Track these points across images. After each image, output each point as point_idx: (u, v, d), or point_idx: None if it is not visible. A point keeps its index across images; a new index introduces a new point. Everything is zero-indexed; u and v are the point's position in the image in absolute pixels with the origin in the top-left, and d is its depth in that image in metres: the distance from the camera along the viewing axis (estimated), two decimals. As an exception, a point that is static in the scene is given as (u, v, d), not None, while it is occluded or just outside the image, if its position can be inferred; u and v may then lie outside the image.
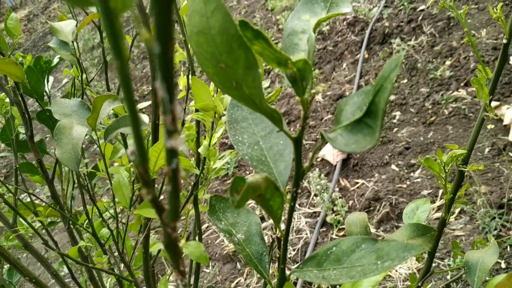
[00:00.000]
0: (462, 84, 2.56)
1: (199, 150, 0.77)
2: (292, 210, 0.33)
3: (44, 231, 1.04)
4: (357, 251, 0.31)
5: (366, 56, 3.29)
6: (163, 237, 0.23)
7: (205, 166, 0.80)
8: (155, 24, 0.15)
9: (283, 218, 0.39)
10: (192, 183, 0.90)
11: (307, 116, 0.29)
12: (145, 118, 0.89)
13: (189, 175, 0.94)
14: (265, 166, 0.34)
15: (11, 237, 0.96)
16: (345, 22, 3.69)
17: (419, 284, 0.68)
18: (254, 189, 0.28)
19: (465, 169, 0.53)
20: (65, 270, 2.37)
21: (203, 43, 0.27)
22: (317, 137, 2.71)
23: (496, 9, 0.48)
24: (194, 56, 0.71)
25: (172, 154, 0.18)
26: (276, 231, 0.37)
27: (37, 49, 7.25)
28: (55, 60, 1.02)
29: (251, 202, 2.29)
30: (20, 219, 1.01)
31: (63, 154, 0.50)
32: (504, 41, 0.50)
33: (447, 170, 0.52)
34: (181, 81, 1.01)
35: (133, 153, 0.20)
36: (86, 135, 0.53)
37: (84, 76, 0.81)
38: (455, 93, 2.52)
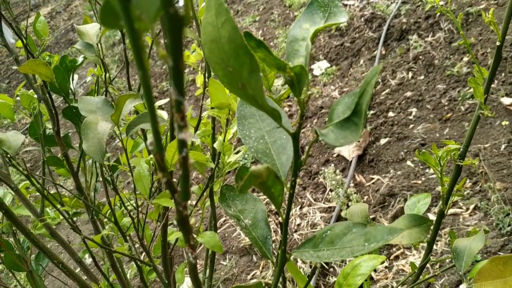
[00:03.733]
0: (479, 81, 2.56)
1: (215, 145, 0.82)
2: (291, 197, 0.37)
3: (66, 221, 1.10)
4: (349, 234, 0.35)
5: (383, 52, 3.29)
6: (176, 214, 0.27)
7: (220, 160, 0.85)
8: (169, 44, 0.19)
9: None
10: (208, 176, 0.94)
11: (303, 114, 0.33)
12: (164, 114, 0.94)
13: (205, 169, 0.99)
14: (269, 158, 0.39)
15: (39, 225, 1.03)
16: (362, 19, 3.69)
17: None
18: (256, 177, 0.32)
19: (461, 163, 0.57)
20: (88, 259, 2.45)
21: (214, 49, 0.32)
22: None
23: (488, 14, 0.52)
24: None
25: (182, 144, 0.23)
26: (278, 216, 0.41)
27: (59, 46, 7.41)
28: (80, 59, 1.08)
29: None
30: (47, 209, 1.07)
31: (89, 147, 0.55)
32: (498, 43, 0.53)
33: (442, 164, 0.56)
34: (199, 79, 1.06)
35: (152, 143, 0.24)
36: (109, 130, 0.58)
37: (107, 75, 0.86)
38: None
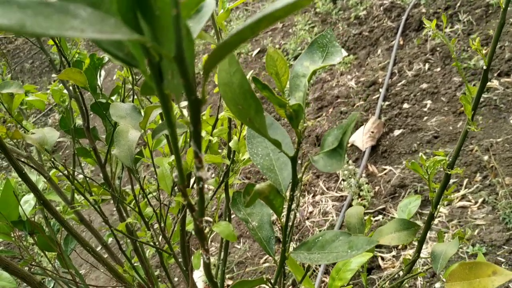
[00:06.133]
0: (495, 75, 2.57)
1: (230, 144, 0.89)
2: (290, 207, 0.45)
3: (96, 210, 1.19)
4: (336, 241, 0.42)
5: (401, 42, 3.31)
6: (194, 226, 0.35)
7: (234, 158, 0.92)
8: (190, 116, 0.27)
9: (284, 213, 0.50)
10: (225, 171, 1.02)
11: (300, 142, 0.40)
12: (185, 112, 1.02)
13: (221, 164, 1.07)
14: (272, 173, 0.46)
15: (68, 211, 1.12)
16: (382, 8, 3.70)
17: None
18: (260, 193, 0.40)
19: (450, 172, 0.63)
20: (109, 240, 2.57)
21: (228, 91, 0.39)
22: (348, 123, 2.78)
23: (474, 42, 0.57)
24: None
25: (199, 179, 0.30)
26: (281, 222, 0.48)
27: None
28: (106, 58, 1.16)
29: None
30: (76, 195, 1.17)
31: (120, 153, 0.63)
32: (484, 67, 0.58)
33: (429, 173, 0.62)
34: (216, 77, 1.13)
35: (177, 176, 0.32)
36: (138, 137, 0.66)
37: (134, 76, 0.94)
38: (488, 83, 2.54)
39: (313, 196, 2.41)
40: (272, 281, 0.47)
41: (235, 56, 0.37)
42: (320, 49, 0.45)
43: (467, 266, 0.54)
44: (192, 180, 0.99)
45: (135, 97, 1.12)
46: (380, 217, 2.14)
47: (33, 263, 1.00)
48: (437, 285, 0.60)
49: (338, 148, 0.37)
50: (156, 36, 0.23)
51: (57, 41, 0.98)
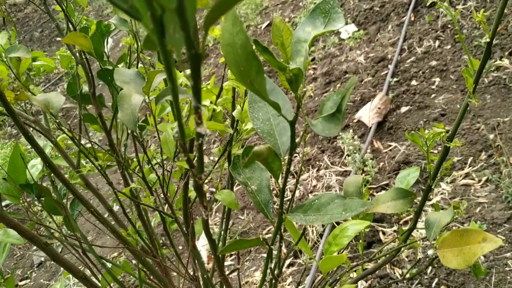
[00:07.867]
0: (506, 53, 2.54)
1: (234, 113, 0.90)
2: (288, 171, 0.46)
3: (101, 174, 1.21)
4: (331, 204, 0.43)
5: (412, 18, 3.26)
6: (193, 183, 0.36)
7: (238, 127, 0.93)
8: (190, 70, 0.27)
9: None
10: (228, 140, 1.03)
11: (300, 106, 0.41)
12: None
13: (225, 133, 1.08)
14: (272, 138, 0.47)
15: (74, 176, 1.14)
16: (394, -18, 3.63)
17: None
18: (258, 155, 0.40)
19: (449, 145, 0.63)
20: (115, 207, 2.61)
21: (230, 52, 0.39)
22: (355, 98, 2.77)
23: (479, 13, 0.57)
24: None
25: (199, 135, 0.31)
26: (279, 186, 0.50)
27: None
28: (113, 25, 1.16)
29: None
30: (82, 161, 1.18)
31: (124, 116, 0.64)
32: (488, 40, 0.58)
33: (428, 145, 0.63)
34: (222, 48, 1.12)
35: (177, 132, 0.33)
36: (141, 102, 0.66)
37: (139, 44, 0.95)
38: (498, 61, 2.51)
39: (317, 171, 2.43)
40: (270, 242, 0.49)
41: (238, 17, 0.38)
42: (322, 14, 0.45)
43: (458, 233, 0.56)
44: (194, 151, 1.01)
45: (141, 65, 1.12)
46: (383, 192, 2.16)
47: (40, 224, 1.02)
48: (430, 252, 0.62)
49: (336, 113, 0.38)
50: (156, -12, 0.24)
51: (63, 7, 0.98)
